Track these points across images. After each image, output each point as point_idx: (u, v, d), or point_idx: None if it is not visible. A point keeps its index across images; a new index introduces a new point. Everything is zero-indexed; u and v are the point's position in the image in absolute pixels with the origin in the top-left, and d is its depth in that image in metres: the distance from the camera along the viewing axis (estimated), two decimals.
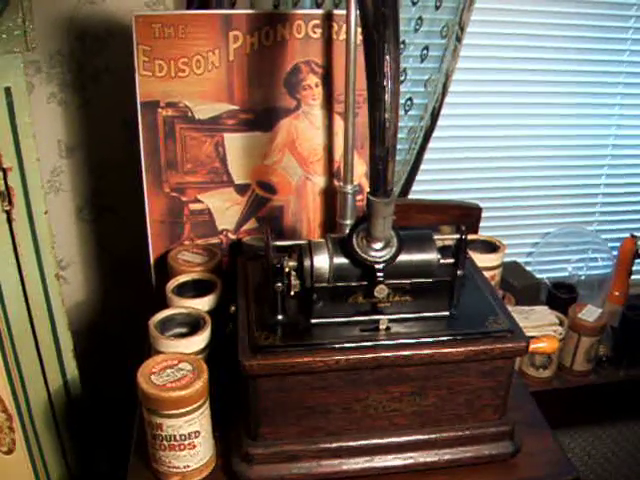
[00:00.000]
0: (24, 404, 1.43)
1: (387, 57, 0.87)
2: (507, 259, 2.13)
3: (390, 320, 1.04)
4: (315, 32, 1.30)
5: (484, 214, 1.76)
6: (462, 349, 1.02)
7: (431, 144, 1.91)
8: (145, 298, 1.42)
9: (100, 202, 1.83)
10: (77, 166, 1.78)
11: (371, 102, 0.91)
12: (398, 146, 1.85)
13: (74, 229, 1.86)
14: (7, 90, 1.23)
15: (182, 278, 1.27)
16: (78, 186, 1.80)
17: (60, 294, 1.46)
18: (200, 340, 1.11)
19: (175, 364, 1.03)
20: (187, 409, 0.99)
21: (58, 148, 1.74)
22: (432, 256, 1.06)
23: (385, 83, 0.88)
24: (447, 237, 1.12)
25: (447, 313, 1.07)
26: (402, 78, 1.79)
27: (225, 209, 1.39)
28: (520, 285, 2.03)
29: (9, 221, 1.31)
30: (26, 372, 1.43)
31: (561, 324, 1.85)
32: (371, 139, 0.94)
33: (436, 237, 1.10)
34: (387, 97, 0.89)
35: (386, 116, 0.90)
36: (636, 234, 2.22)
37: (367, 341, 1.01)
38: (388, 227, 1.01)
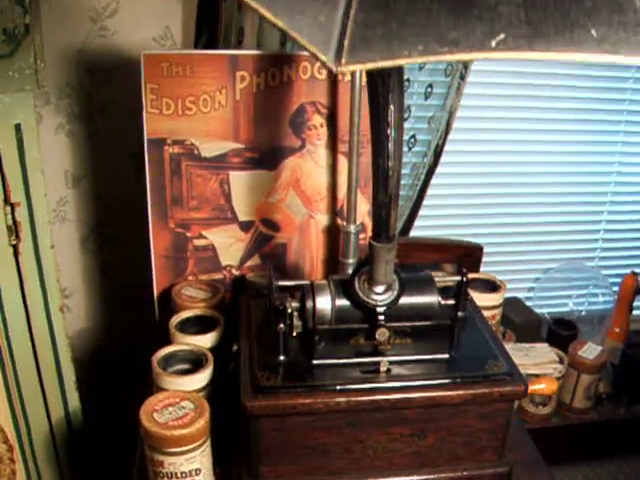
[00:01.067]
0: (25, 435, 1.44)
1: (391, 106, 0.89)
2: (508, 294, 2.15)
3: (391, 362, 1.05)
4: (321, 73, 1.32)
5: (486, 250, 1.77)
6: (461, 392, 1.03)
7: (433, 180, 1.93)
8: (147, 328, 1.43)
9: (105, 232, 1.84)
10: (83, 196, 1.80)
11: (375, 150, 0.92)
12: (401, 182, 1.88)
13: (78, 258, 1.87)
14: (17, 127, 1.25)
15: (185, 314, 1.28)
16: (83, 216, 1.82)
17: (64, 327, 1.47)
18: (202, 378, 1.12)
19: (177, 402, 1.04)
20: (188, 447, 0.99)
21: (65, 178, 1.76)
22: (433, 299, 1.07)
23: (389, 132, 0.90)
24: (448, 279, 1.14)
25: (447, 356, 1.08)
26: (406, 115, 1.81)
27: (229, 245, 1.40)
28: (521, 321, 2.04)
29: (16, 255, 1.33)
30: (28, 403, 1.44)
31: (561, 362, 1.85)
32: (374, 186, 0.95)
33: (437, 279, 1.11)
34: (391, 145, 0.90)
35: (389, 164, 0.91)
36: (637, 270, 2.23)
37: (368, 383, 1.02)
38: (390, 271, 1.02)
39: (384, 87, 0.88)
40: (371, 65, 0.46)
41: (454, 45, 0.47)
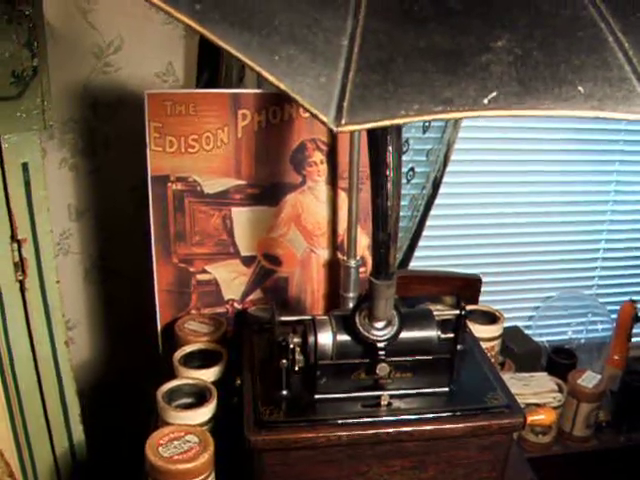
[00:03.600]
0: (30, 468, 1.45)
1: (390, 148, 0.91)
2: (508, 324, 2.16)
3: (391, 396, 1.07)
4: None
5: (485, 279, 1.79)
6: (461, 425, 1.05)
7: (432, 211, 1.95)
8: (151, 361, 1.45)
9: (108, 265, 1.86)
10: (86, 229, 1.82)
11: (374, 190, 0.95)
12: (401, 214, 1.90)
13: (82, 290, 1.89)
14: (24, 165, 1.28)
15: (188, 348, 1.30)
16: (87, 249, 1.84)
17: (69, 361, 1.48)
18: (206, 412, 1.14)
19: (182, 436, 1.06)
20: None
21: (68, 211, 1.78)
22: (432, 333, 1.09)
23: (387, 173, 0.92)
24: (447, 312, 1.15)
25: (447, 389, 1.10)
26: (405, 148, 1.84)
27: (231, 280, 1.42)
28: (520, 351, 2.05)
29: (22, 290, 1.35)
30: (33, 436, 1.45)
31: (560, 391, 1.86)
32: (374, 224, 0.97)
33: (436, 312, 1.13)
34: (389, 186, 0.93)
35: (388, 204, 0.94)
36: (635, 298, 2.24)
37: (369, 417, 1.04)
38: (390, 307, 1.04)
39: (382, 129, 0.91)
40: (369, 125, 0.49)
41: (448, 104, 0.49)
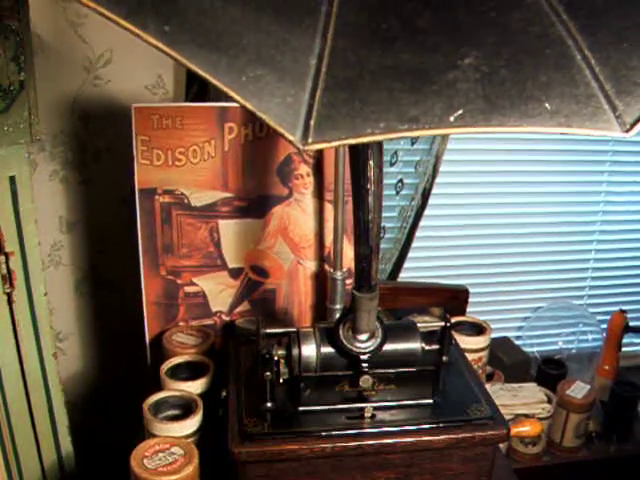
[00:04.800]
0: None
1: (370, 162, 0.92)
2: (498, 334, 2.17)
3: (375, 408, 1.07)
4: None
5: (474, 289, 1.80)
6: (444, 437, 1.05)
7: (422, 222, 1.96)
8: (140, 372, 1.46)
9: (98, 277, 1.87)
10: (77, 241, 1.82)
11: (355, 203, 0.96)
12: (390, 225, 1.91)
13: (73, 302, 1.89)
14: (11, 179, 1.28)
15: (176, 360, 1.30)
16: (77, 261, 1.84)
17: (57, 373, 1.49)
18: (192, 424, 1.14)
19: (167, 448, 1.07)
20: None
21: (59, 223, 1.78)
22: (416, 345, 1.09)
23: (368, 186, 0.93)
24: (432, 324, 1.16)
25: (431, 401, 1.11)
26: (393, 160, 1.85)
27: (219, 292, 1.43)
28: (510, 361, 2.06)
29: (9, 302, 1.35)
30: (21, 447, 1.45)
31: (549, 401, 1.86)
32: (355, 238, 0.98)
33: (421, 324, 1.14)
34: (370, 199, 0.94)
35: (369, 217, 0.95)
36: (625, 308, 2.25)
37: (352, 429, 1.05)
38: (373, 320, 1.05)
39: (363, 144, 0.91)
40: (336, 143, 0.50)
41: (414, 122, 0.50)
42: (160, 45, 0.49)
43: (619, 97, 0.56)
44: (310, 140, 0.50)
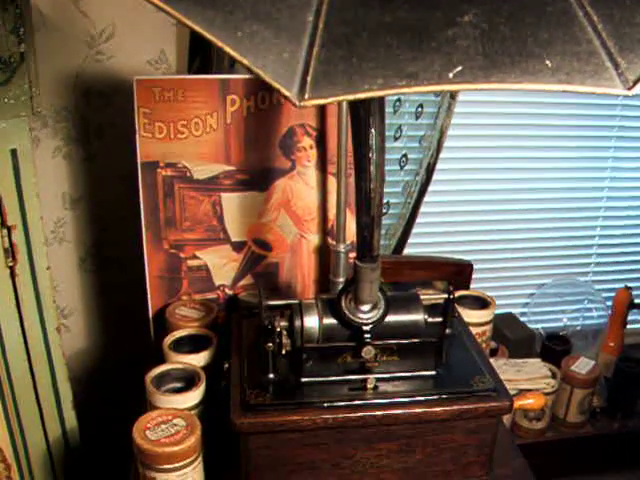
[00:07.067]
0: (23, 454, 1.46)
1: (372, 130, 0.91)
2: (503, 310, 2.16)
3: (377, 379, 1.07)
4: None
5: (479, 265, 1.79)
6: (447, 408, 1.05)
7: (426, 198, 1.96)
8: (145, 347, 1.46)
9: (102, 253, 1.86)
10: (80, 218, 1.82)
11: (357, 172, 0.95)
12: (394, 200, 1.91)
13: (77, 278, 1.89)
14: (13, 152, 1.28)
15: (179, 333, 1.30)
16: (81, 237, 1.84)
17: (61, 346, 1.49)
18: (194, 396, 1.14)
19: (169, 419, 1.07)
20: (180, 464, 1.01)
21: (62, 200, 1.78)
22: (418, 317, 1.09)
23: (370, 155, 0.92)
24: (435, 297, 1.15)
25: (433, 372, 1.10)
26: (398, 135, 1.84)
27: (222, 265, 1.42)
28: (515, 337, 2.06)
29: (12, 276, 1.35)
30: (26, 422, 1.46)
31: (554, 376, 1.86)
32: (357, 208, 0.98)
33: (424, 296, 1.13)
34: (372, 168, 0.93)
35: (371, 186, 0.94)
36: (630, 285, 2.24)
37: (355, 400, 1.04)
38: (375, 290, 1.04)
39: (365, 111, 0.90)
40: (332, 99, 0.49)
41: (413, 78, 0.49)
42: (155, 1, 0.48)
43: (622, 54, 0.55)
44: (307, 96, 0.49)
